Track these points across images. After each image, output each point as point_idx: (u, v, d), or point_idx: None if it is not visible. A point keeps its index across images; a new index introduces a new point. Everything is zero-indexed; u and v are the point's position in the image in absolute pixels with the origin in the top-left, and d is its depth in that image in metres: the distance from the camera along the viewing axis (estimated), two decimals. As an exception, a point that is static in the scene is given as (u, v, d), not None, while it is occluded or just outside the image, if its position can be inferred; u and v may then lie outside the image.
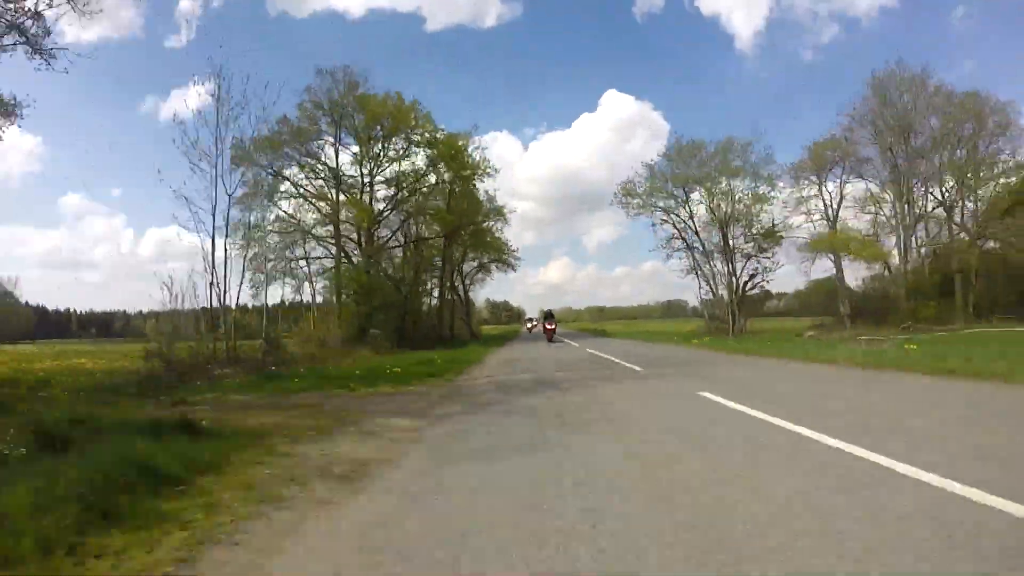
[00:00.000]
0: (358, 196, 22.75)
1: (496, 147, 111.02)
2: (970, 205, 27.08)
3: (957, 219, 26.99)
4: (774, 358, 11.48)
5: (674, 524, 2.33)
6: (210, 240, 12.02)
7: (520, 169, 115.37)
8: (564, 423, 4.92)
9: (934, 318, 23.30)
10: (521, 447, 4.03)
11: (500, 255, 34.62)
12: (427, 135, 23.73)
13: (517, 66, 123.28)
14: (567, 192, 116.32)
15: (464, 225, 28.03)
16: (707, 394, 6.20)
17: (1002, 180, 25.71)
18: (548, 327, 26.05)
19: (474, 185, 26.53)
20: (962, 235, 26.43)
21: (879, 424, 4.21)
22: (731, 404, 5.42)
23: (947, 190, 26.86)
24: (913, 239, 27.05)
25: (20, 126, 12.59)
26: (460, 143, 24.49)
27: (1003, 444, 3.46)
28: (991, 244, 25.85)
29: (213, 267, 11.98)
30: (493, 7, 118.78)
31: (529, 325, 51.16)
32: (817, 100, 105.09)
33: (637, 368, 10.32)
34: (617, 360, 12.48)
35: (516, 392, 7.41)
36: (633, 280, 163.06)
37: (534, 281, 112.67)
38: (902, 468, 2.96)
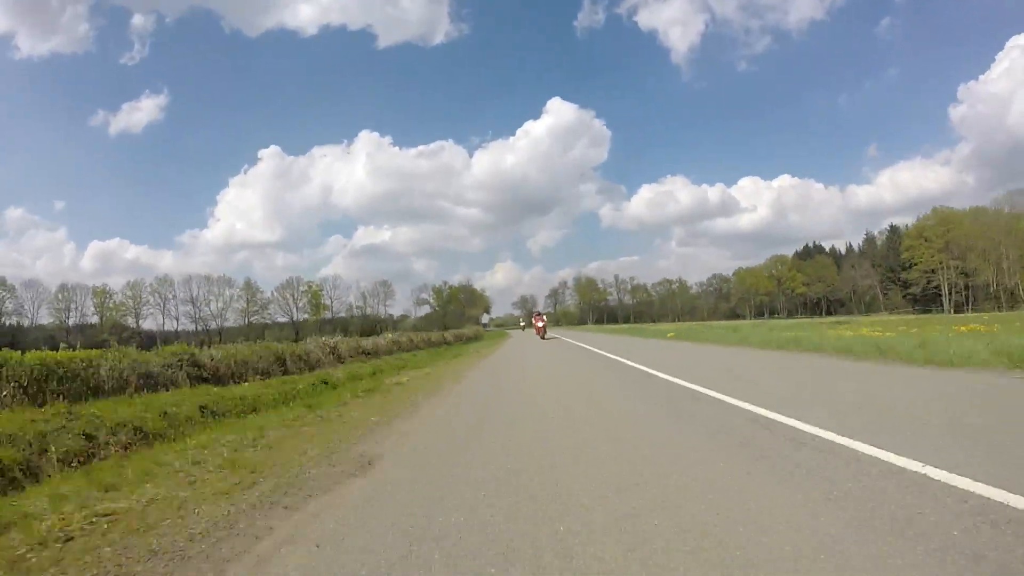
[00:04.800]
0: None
1: (442, 156, 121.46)
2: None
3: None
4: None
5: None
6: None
7: (466, 177, 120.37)
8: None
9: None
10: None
11: (487, 310, 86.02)
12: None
13: (464, 79, 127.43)
14: (511, 198, 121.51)
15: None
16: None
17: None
18: (538, 326, 30.04)
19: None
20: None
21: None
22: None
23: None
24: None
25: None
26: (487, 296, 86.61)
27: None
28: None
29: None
30: (442, 26, 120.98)
31: (523, 324, 55.91)
32: (751, 106, 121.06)
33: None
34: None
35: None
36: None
37: (481, 285, 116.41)
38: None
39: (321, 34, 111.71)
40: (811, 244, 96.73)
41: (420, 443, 4.63)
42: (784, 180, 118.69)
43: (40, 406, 5.61)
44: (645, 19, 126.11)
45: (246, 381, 9.03)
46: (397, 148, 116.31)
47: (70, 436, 4.63)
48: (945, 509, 2.44)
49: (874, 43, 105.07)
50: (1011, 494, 2.52)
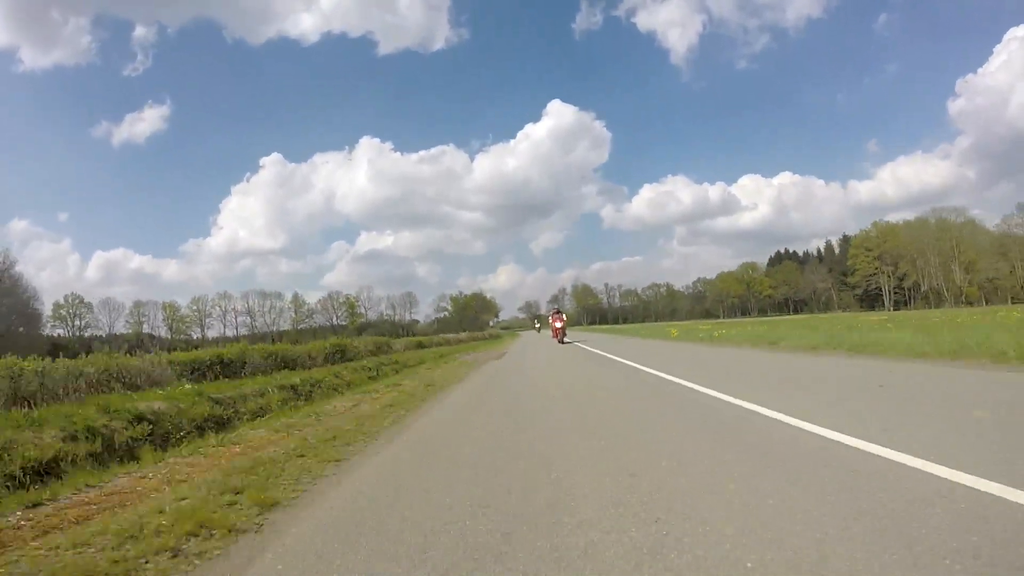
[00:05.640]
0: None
1: (443, 161, 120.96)
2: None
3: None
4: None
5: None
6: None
7: (467, 181, 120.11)
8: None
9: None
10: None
11: (496, 315, 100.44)
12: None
13: (463, 84, 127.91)
14: (513, 201, 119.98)
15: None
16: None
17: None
18: (556, 327, 23.98)
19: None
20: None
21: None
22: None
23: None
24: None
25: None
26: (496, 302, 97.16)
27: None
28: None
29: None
30: (442, 32, 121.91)
31: (537, 325, 55.92)
32: (751, 104, 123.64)
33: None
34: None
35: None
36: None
37: (485, 288, 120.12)
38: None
39: (322, 42, 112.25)
40: (782, 251, 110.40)
41: (517, 344, 23.33)
42: (785, 177, 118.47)
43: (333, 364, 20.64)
44: (643, 20, 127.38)
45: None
46: (398, 153, 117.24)
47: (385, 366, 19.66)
48: (644, 377, 17.00)
49: (872, 39, 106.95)
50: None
